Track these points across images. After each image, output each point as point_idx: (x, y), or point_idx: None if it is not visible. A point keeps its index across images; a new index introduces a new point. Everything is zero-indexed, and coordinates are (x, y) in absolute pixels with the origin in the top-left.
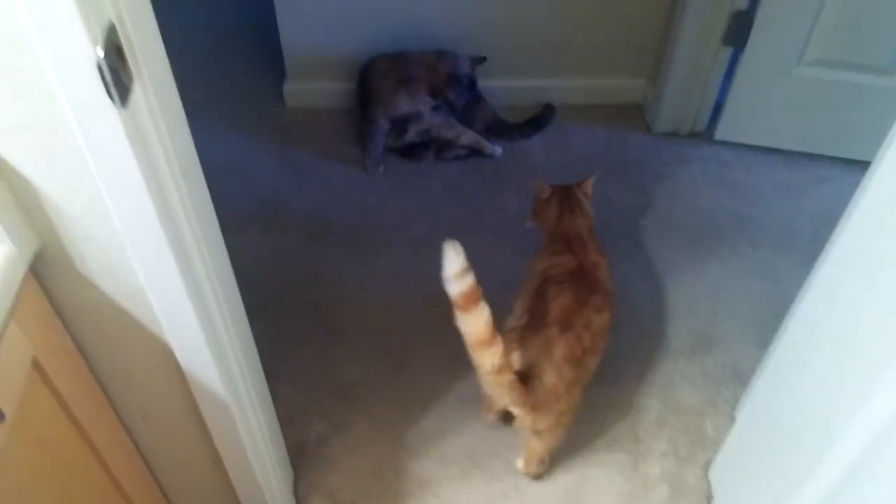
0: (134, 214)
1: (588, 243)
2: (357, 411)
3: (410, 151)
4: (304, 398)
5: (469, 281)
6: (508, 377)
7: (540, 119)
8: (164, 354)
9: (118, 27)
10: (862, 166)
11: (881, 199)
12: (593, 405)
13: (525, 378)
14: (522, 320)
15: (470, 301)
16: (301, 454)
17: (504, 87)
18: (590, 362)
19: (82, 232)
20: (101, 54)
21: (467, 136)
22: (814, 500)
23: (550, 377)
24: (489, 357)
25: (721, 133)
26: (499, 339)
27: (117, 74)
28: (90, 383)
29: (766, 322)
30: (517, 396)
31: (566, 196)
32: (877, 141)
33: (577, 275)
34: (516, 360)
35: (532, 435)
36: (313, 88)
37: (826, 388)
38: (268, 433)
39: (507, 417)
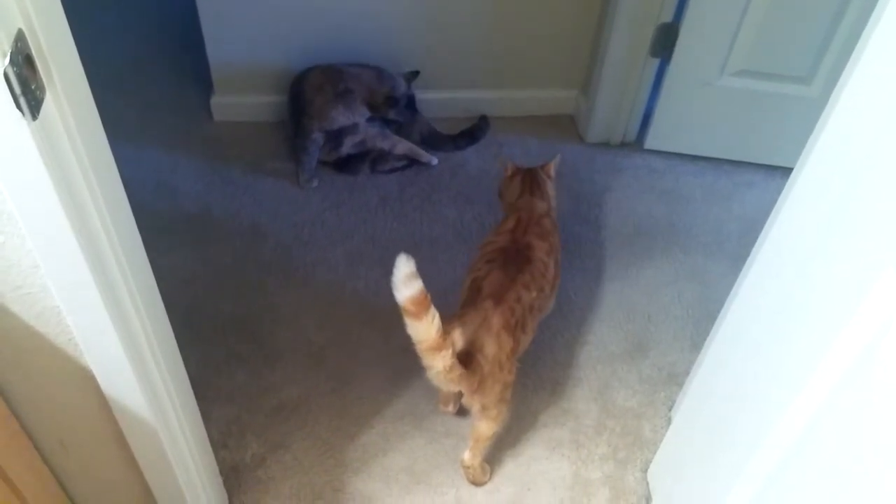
0: (48, 231)
1: (532, 226)
2: (295, 431)
3: (345, 165)
4: (239, 419)
5: (418, 285)
6: (458, 372)
7: (475, 131)
8: (85, 379)
9: (28, 35)
10: (783, 172)
11: (803, 203)
12: (533, 412)
13: (469, 355)
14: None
15: (420, 307)
16: (236, 476)
17: (438, 100)
18: (521, 338)
19: None
20: (8, 62)
21: (403, 146)
22: (744, 496)
23: (492, 348)
24: (440, 360)
25: (651, 142)
26: (448, 342)
27: (27, 85)
28: (3, 411)
29: (700, 324)
30: (466, 384)
31: (528, 177)
32: (796, 148)
33: (507, 252)
34: (458, 337)
35: (479, 415)
36: (242, 101)
37: (754, 387)
38: (199, 457)
39: (462, 409)
